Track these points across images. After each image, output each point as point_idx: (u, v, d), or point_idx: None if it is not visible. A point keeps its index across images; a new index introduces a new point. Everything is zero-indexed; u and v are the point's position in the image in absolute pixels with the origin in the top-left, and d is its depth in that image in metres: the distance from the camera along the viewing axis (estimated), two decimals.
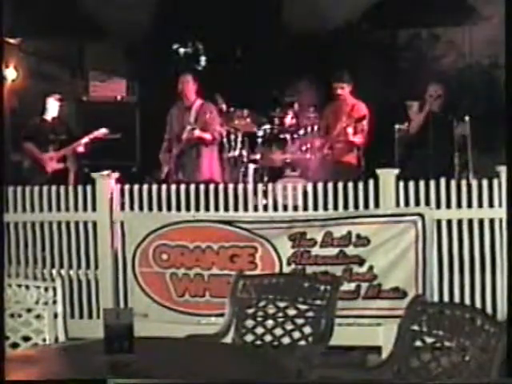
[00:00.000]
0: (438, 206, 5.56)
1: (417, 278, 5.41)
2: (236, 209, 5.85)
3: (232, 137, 8.57)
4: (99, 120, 8.96)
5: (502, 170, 5.30)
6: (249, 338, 4.16)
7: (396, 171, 5.65)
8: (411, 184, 5.60)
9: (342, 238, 5.53)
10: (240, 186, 5.93)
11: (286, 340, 4.17)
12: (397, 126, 8.46)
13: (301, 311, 4.13)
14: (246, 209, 5.84)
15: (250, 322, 4.19)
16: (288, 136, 8.38)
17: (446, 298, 5.58)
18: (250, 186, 5.92)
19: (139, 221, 5.94)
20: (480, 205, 5.54)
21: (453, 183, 5.60)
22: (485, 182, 5.53)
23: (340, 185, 5.73)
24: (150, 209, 6.00)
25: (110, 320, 2.94)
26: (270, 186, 6.03)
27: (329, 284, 4.14)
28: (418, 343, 3.30)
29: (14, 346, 3.88)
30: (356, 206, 5.68)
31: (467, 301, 5.51)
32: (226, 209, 5.86)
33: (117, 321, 2.93)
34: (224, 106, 8.26)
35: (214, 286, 5.69)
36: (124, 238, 5.96)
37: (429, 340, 3.25)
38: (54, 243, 6.16)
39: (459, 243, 5.57)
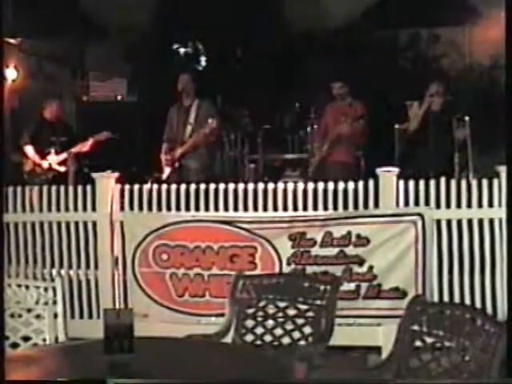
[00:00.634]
0: (438, 206, 5.56)
1: (417, 278, 5.41)
2: (236, 209, 5.85)
3: (232, 137, 8.58)
4: (99, 120, 8.97)
5: (502, 170, 5.30)
6: (249, 337, 4.16)
7: (396, 171, 5.64)
8: (411, 184, 5.60)
9: (342, 237, 5.52)
10: (240, 186, 5.93)
11: (286, 340, 4.18)
12: (396, 126, 8.46)
13: (301, 311, 4.13)
14: (246, 209, 5.84)
15: (250, 322, 4.19)
16: (288, 136, 8.38)
17: (445, 298, 5.58)
18: (250, 186, 5.91)
19: (139, 221, 5.94)
20: (480, 205, 5.53)
21: (453, 183, 5.60)
22: (485, 182, 5.53)
23: (340, 185, 5.73)
24: (150, 209, 6.00)
25: (110, 320, 2.94)
26: (270, 185, 6.02)
27: (329, 284, 4.15)
28: (418, 343, 3.30)
29: (14, 346, 3.88)
30: (356, 206, 5.68)
31: (467, 301, 5.51)
32: (226, 209, 5.86)
33: (117, 321, 2.93)
34: (226, 108, 8.26)
35: (213, 286, 5.69)
36: (124, 238, 5.95)
37: (429, 340, 3.25)
38: (53, 243, 6.15)
39: (459, 243, 5.57)
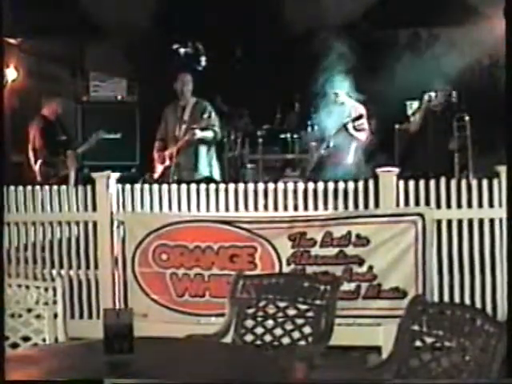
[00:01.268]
0: (438, 206, 5.56)
1: (417, 278, 5.41)
2: (236, 209, 5.85)
3: (232, 136, 8.57)
4: (99, 120, 8.97)
5: (502, 170, 5.30)
6: (249, 337, 4.16)
7: (396, 171, 5.64)
8: (411, 184, 5.60)
9: (342, 237, 5.52)
10: (240, 186, 5.93)
11: (286, 340, 4.17)
12: (396, 126, 8.47)
13: (301, 311, 4.13)
14: (246, 209, 5.84)
15: (249, 322, 4.19)
16: (288, 136, 8.38)
17: (446, 298, 5.58)
18: (250, 186, 5.92)
19: (139, 221, 5.94)
20: (480, 205, 5.54)
21: (453, 183, 5.60)
22: (485, 182, 5.53)
23: (340, 185, 5.73)
24: (150, 209, 6.00)
25: (110, 320, 2.94)
26: (270, 185, 6.02)
27: (329, 284, 4.15)
28: (418, 343, 3.30)
29: (14, 346, 3.87)
30: (356, 206, 5.68)
31: (467, 301, 5.51)
32: (226, 209, 5.86)
33: (117, 321, 2.93)
34: (226, 108, 8.26)
35: (213, 286, 5.69)
36: (124, 238, 5.95)
37: (429, 340, 3.25)
38: (53, 243, 6.15)
39: (459, 243, 5.57)
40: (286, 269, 5.58)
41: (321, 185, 5.77)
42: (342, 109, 7.68)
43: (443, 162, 7.14)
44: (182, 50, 10.67)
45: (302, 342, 4.08)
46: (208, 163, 7.53)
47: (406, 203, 5.58)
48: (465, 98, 8.29)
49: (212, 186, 5.96)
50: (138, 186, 6.09)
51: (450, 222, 5.57)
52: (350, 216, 5.61)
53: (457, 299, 5.54)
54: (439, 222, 5.56)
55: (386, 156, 7.93)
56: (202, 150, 7.48)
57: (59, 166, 7.99)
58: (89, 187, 6.08)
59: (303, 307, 4.11)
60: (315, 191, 5.77)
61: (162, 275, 5.82)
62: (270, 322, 4.21)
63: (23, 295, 3.98)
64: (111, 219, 5.99)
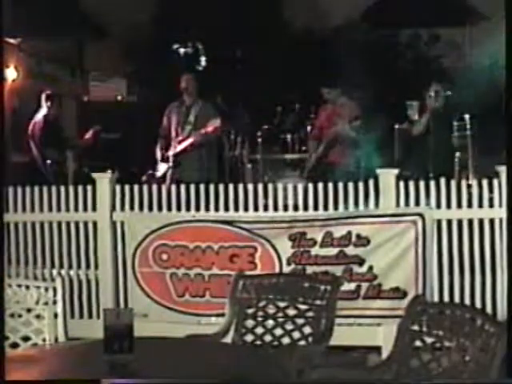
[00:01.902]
0: (438, 206, 5.56)
1: (417, 278, 5.41)
2: (236, 209, 5.84)
3: (232, 136, 8.58)
4: (99, 120, 8.97)
5: (502, 170, 5.30)
6: (249, 338, 4.16)
7: (396, 171, 5.64)
8: (411, 184, 5.60)
9: (342, 238, 5.52)
10: (240, 186, 5.93)
11: (286, 340, 4.17)
12: (396, 126, 8.46)
13: (301, 311, 4.13)
14: (246, 209, 5.84)
15: (250, 322, 4.19)
16: (288, 136, 8.38)
17: (446, 298, 5.58)
18: (250, 186, 5.91)
19: (139, 221, 5.94)
20: (480, 205, 5.53)
21: (453, 183, 5.60)
22: (485, 182, 5.53)
23: (340, 185, 5.72)
24: (150, 209, 6.00)
25: (110, 320, 2.94)
26: (270, 185, 6.02)
27: (329, 284, 4.14)
28: (418, 343, 3.30)
29: (14, 346, 3.87)
30: (356, 206, 5.68)
31: (467, 301, 5.50)
32: (226, 209, 5.86)
33: (117, 321, 2.93)
34: (226, 108, 8.26)
35: (214, 286, 5.69)
36: (124, 238, 5.95)
37: (429, 340, 3.24)
38: (53, 243, 6.15)
39: (459, 243, 5.57)
40: (286, 269, 5.58)
41: (321, 185, 5.77)
42: (340, 109, 7.67)
43: (443, 162, 7.13)
44: (181, 50, 10.68)
45: (302, 342, 4.08)
46: (208, 163, 7.54)
47: (406, 203, 5.57)
48: (465, 98, 8.28)
49: (212, 186, 5.96)
50: (137, 186, 6.08)
51: (450, 222, 5.57)
52: (350, 216, 5.60)
53: (457, 299, 5.54)
54: (439, 222, 5.56)
55: (386, 156, 7.92)
56: (204, 150, 7.49)
57: (59, 165, 7.99)
58: (89, 187, 6.07)
59: (303, 307, 4.11)
60: (315, 191, 5.76)
61: (162, 275, 5.82)
62: (270, 322, 4.20)
63: (23, 295, 3.98)
64: (111, 219, 5.98)
